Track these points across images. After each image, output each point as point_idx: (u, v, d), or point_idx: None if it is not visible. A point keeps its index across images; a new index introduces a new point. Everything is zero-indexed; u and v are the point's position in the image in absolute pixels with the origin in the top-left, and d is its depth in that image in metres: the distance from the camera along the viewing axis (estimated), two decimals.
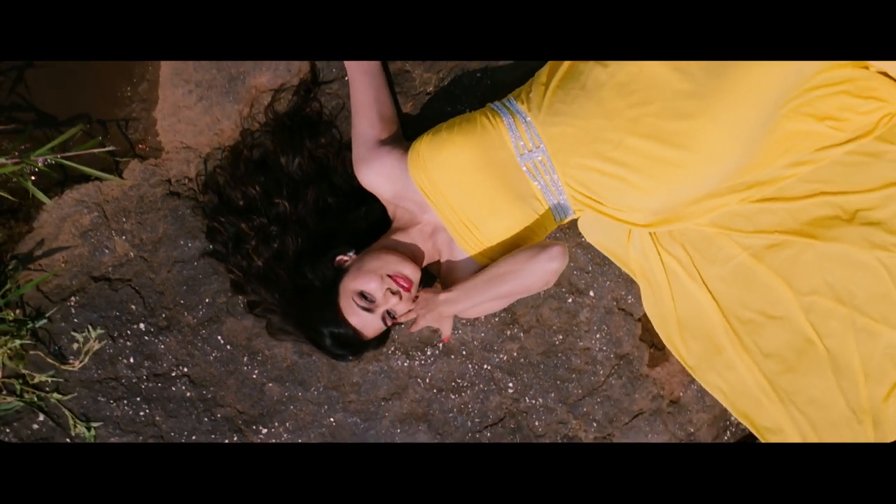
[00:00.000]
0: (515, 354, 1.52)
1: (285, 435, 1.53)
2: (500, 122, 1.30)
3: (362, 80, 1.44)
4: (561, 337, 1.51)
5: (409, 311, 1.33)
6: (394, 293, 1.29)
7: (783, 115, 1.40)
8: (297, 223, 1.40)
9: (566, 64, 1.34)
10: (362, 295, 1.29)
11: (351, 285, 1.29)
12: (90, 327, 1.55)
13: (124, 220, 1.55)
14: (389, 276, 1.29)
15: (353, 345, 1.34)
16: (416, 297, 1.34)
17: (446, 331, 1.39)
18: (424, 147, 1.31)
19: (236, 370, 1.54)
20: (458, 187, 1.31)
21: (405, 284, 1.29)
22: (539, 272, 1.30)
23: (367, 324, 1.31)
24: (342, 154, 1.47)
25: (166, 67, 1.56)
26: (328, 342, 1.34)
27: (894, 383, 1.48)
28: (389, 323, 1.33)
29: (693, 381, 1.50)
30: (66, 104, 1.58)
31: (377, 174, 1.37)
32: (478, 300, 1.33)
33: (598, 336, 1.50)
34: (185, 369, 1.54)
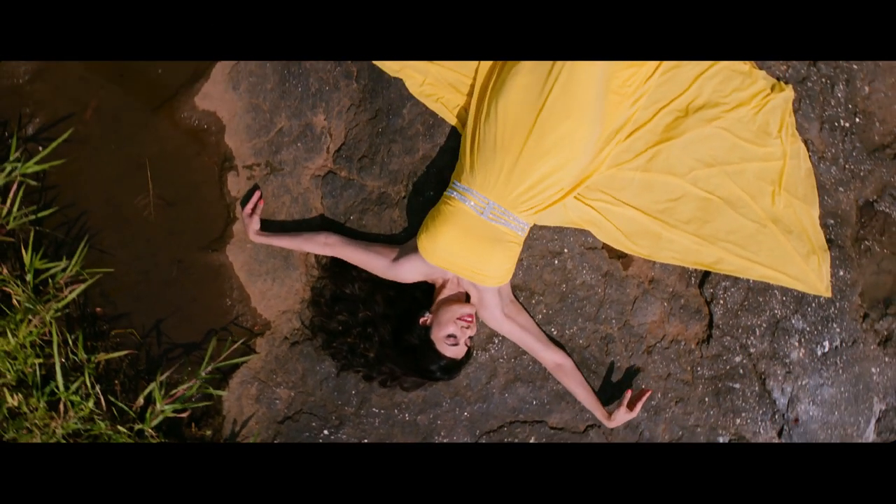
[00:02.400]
0: (544, 310, 2.26)
1: (446, 439, 2.28)
2: (456, 202, 2.00)
3: (345, 252, 2.12)
4: (564, 285, 2.24)
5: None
6: (466, 328, 2.03)
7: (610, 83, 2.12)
8: (381, 318, 2.12)
9: (468, 136, 2.06)
10: (450, 336, 2.02)
11: (440, 334, 2.02)
12: None
13: (275, 376, 2.30)
14: (459, 318, 2.02)
15: (454, 367, 2.08)
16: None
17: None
18: (426, 242, 2.01)
19: (395, 422, 2.29)
20: (457, 255, 1.99)
21: (469, 320, 2.02)
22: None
23: (457, 352, 2.04)
24: None
25: (242, 272, 2.30)
26: (439, 374, 2.06)
27: (771, 192, 2.20)
28: (469, 344, 2.07)
29: (655, 263, 2.23)
30: (191, 331, 2.33)
31: (407, 275, 2.09)
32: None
33: (584, 271, 2.24)
34: (366, 440, 2.30)
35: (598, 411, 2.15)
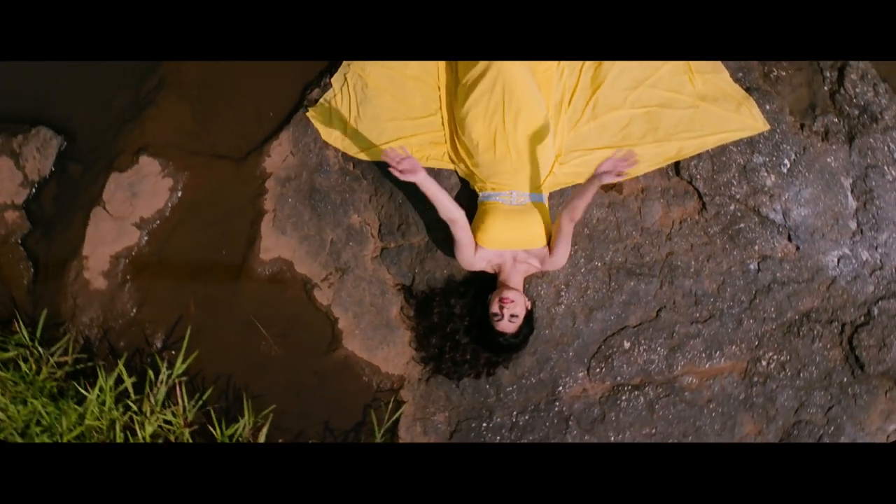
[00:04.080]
0: (583, 253, 2.86)
1: (568, 379, 2.89)
2: (489, 203, 2.60)
3: (459, 232, 2.55)
4: (586, 229, 2.84)
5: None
6: (504, 307, 2.52)
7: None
8: (459, 320, 2.71)
9: (465, 162, 2.66)
10: (494, 314, 2.56)
11: (490, 312, 2.58)
12: None
13: (427, 409, 2.91)
14: (500, 299, 2.55)
15: (516, 340, 2.61)
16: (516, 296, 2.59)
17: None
18: (483, 237, 2.57)
19: (527, 387, 2.89)
20: (508, 234, 2.56)
21: (507, 300, 2.53)
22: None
23: (504, 327, 2.55)
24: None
25: (362, 353, 2.90)
26: (505, 345, 2.64)
27: (688, 79, 2.73)
28: (515, 320, 2.55)
29: (637, 177, 2.82)
30: (352, 415, 2.95)
31: (478, 263, 2.64)
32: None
33: (593, 212, 2.84)
34: (515, 412, 2.92)
35: (591, 188, 2.41)
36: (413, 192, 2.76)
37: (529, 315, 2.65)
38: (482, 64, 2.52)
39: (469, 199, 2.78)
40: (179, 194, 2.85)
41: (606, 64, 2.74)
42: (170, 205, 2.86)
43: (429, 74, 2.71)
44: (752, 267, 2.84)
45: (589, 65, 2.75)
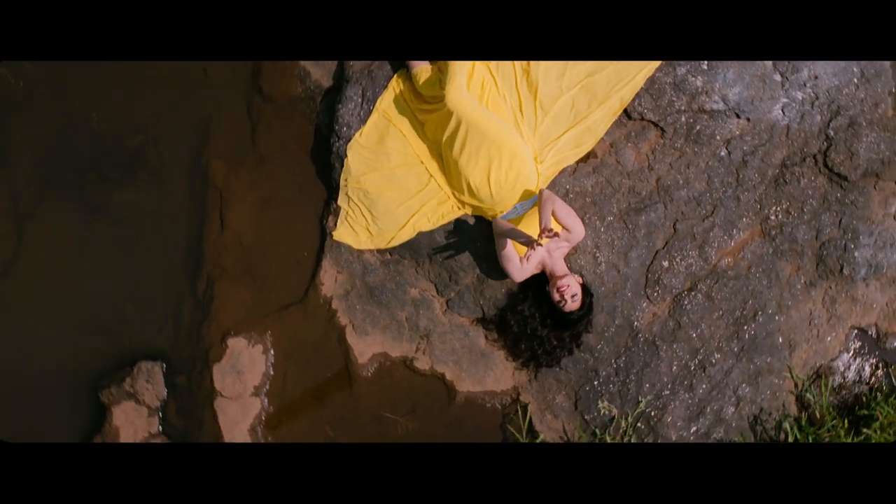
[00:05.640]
0: (591, 217, 3.36)
1: (639, 314, 3.41)
2: (503, 221, 3.06)
3: (512, 250, 3.04)
4: (587, 198, 3.34)
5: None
6: (564, 292, 2.97)
7: None
8: (532, 317, 3.22)
9: (465, 200, 3.15)
10: (558, 301, 2.98)
11: (553, 301, 3.06)
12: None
13: (550, 397, 3.42)
14: (557, 289, 3.03)
15: (583, 311, 3.08)
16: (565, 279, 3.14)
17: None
18: (520, 247, 3.08)
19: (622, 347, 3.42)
20: (535, 234, 3.04)
21: (563, 287, 2.97)
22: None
23: (570, 307, 2.98)
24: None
25: (465, 383, 3.41)
26: (577, 318, 3.11)
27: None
28: (576, 298, 3.01)
29: (602, 138, 3.31)
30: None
31: (528, 269, 3.10)
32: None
33: (584, 183, 3.34)
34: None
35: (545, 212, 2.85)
36: (444, 248, 3.23)
37: (585, 287, 3.15)
38: (451, 123, 2.98)
39: (484, 227, 3.27)
40: (272, 352, 3.33)
41: (532, 70, 3.21)
42: (270, 364, 3.34)
43: (409, 157, 3.19)
44: (722, 154, 3.35)
45: (520, 78, 3.22)
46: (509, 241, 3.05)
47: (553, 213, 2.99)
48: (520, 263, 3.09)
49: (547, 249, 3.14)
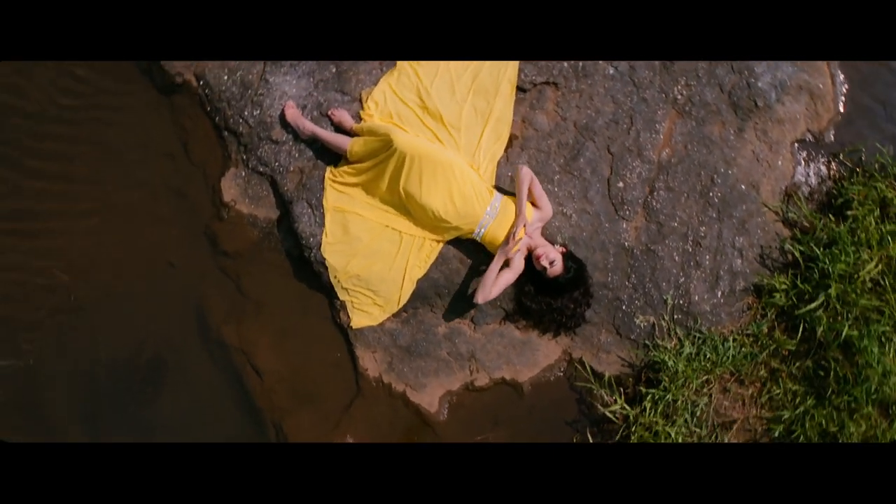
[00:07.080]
0: (568, 191, 3.67)
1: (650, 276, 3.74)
2: (479, 237, 3.39)
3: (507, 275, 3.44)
4: (557, 176, 3.66)
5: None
6: (541, 259, 3.30)
7: None
8: (535, 298, 3.53)
9: (434, 235, 3.45)
10: (541, 269, 3.33)
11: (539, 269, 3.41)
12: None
13: (596, 344, 3.75)
14: (535, 259, 3.33)
15: (571, 273, 3.40)
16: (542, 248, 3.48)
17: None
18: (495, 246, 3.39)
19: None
20: (508, 228, 3.34)
21: (538, 255, 3.28)
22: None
23: (552, 272, 3.29)
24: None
25: (524, 374, 3.72)
26: (567, 281, 3.42)
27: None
28: (555, 263, 3.33)
29: (513, 118, 3.61)
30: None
31: (520, 259, 3.41)
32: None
33: (550, 163, 3.65)
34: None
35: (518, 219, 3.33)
36: (445, 284, 3.52)
37: (570, 254, 3.47)
38: (406, 165, 3.23)
39: (464, 247, 3.57)
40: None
41: (428, 102, 3.48)
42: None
43: (375, 229, 3.46)
44: (611, 71, 3.67)
45: (422, 115, 3.48)
46: (504, 271, 3.38)
47: (529, 191, 3.31)
48: (519, 269, 3.43)
49: (528, 234, 3.45)
